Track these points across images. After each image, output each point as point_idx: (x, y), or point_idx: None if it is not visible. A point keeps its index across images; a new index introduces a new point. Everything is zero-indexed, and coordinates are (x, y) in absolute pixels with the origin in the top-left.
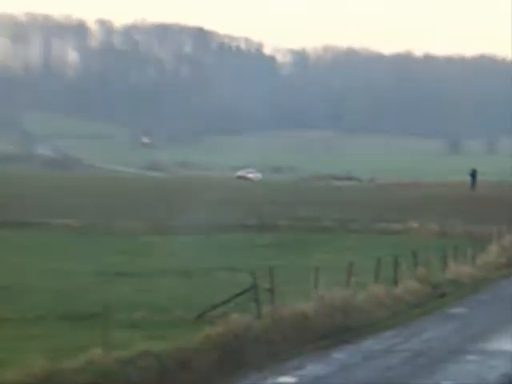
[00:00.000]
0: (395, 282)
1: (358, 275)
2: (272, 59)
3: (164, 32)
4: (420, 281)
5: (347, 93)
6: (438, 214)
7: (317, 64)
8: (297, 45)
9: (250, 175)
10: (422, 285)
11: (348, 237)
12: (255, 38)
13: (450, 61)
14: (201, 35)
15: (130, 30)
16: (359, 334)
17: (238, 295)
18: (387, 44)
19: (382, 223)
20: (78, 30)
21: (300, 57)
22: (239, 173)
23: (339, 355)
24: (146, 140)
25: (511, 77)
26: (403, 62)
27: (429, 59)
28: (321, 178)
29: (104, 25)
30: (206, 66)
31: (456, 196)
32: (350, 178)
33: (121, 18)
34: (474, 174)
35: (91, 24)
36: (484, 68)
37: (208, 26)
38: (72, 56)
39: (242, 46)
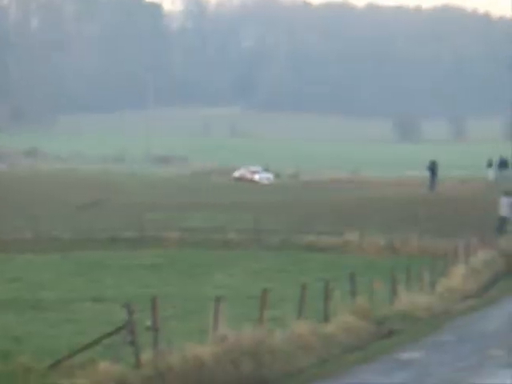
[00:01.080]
0: (326, 318)
1: (276, 308)
2: (155, 7)
3: None
4: (360, 315)
5: (260, 57)
6: (384, 222)
7: (218, 15)
8: None
9: (256, 176)
10: (363, 320)
11: (261, 254)
12: None
13: (400, 12)
14: None
15: None
16: None
17: (107, 336)
18: None
19: (309, 236)
20: None
21: (196, 4)
22: (237, 173)
23: None
24: None
25: (484, 35)
26: (337, 12)
27: (373, 9)
28: (223, 173)
29: None
30: (66, 16)
31: (410, 198)
32: (266, 172)
33: None
34: (433, 168)
35: None
36: (448, 23)
37: None
38: None
39: None
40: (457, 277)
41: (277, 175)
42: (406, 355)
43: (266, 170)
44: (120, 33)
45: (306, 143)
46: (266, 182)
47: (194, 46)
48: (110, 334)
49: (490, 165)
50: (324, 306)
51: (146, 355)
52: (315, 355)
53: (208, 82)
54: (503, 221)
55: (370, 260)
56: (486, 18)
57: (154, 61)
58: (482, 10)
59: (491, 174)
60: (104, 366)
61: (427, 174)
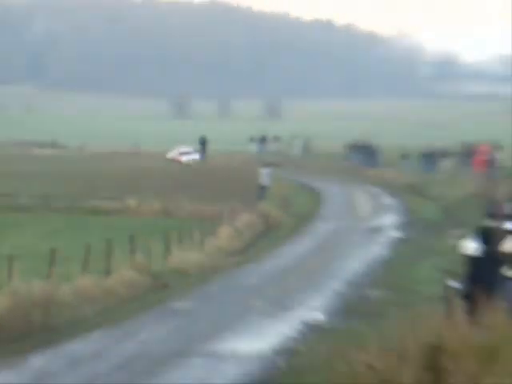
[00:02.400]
0: (107, 273)
1: (63, 265)
2: None
3: None
4: (138, 270)
5: (53, 39)
6: (160, 189)
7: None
8: None
9: (183, 157)
10: (140, 275)
11: (51, 217)
12: None
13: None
14: None
15: None
16: (63, 335)
17: None
18: None
19: (93, 200)
20: None
21: None
22: (170, 154)
23: (37, 361)
24: None
25: (246, 26)
26: (119, 3)
27: (146, 2)
28: (16, 145)
29: None
30: None
31: (182, 168)
32: (54, 146)
33: None
34: (203, 142)
35: None
36: (215, 16)
37: None
38: None
39: None
40: (223, 237)
41: (64, 148)
42: (178, 305)
43: (53, 145)
44: None
45: (92, 119)
46: (190, 162)
47: None
48: None
49: (252, 140)
50: (106, 263)
51: None
52: (98, 305)
53: (3, 62)
54: (262, 188)
55: (148, 223)
56: (249, 11)
57: None
58: (244, 4)
59: (253, 148)
60: None
61: (198, 147)
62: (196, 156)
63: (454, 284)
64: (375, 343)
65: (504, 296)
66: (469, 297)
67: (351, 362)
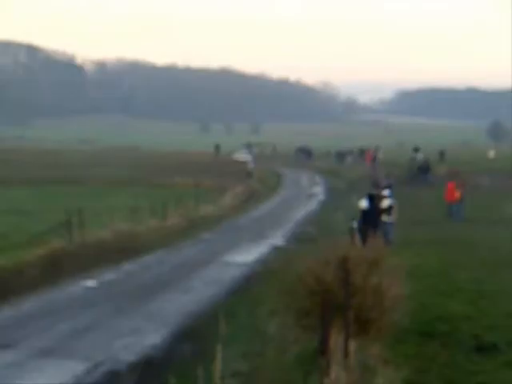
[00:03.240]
0: (164, 218)
1: (141, 214)
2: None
3: None
4: (181, 216)
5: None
6: (193, 172)
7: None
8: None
9: (242, 157)
10: (183, 219)
11: (133, 188)
12: None
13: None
14: None
15: None
16: (140, 252)
17: (57, 227)
18: (160, 56)
19: (157, 179)
20: None
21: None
22: (236, 155)
23: (126, 266)
24: None
25: (241, 83)
26: (172, 72)
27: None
28: (114, 148)
29: None
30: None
31: (205, 161)
32: (135, 149)
33: None
34: (217, 147)
35: None
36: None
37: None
38: None
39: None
40: (227, 198)
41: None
42: (203, 235)
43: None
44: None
45: (155, 135)
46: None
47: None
48: (58, 226)
49: (243, 146)
50: (164, 213)
51: (76, 237)
52: (160, 236)
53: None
54: (249, 172)
55: (186, 191)
56: (241, 73)
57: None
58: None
59: (244, 150)
60: (55, 241)
61: (214, 150)
62: (249, 157)
63: (355, 224)
64: (311, 256)
65: (382, 231)
66: (362, 231)
67: (298, 266)
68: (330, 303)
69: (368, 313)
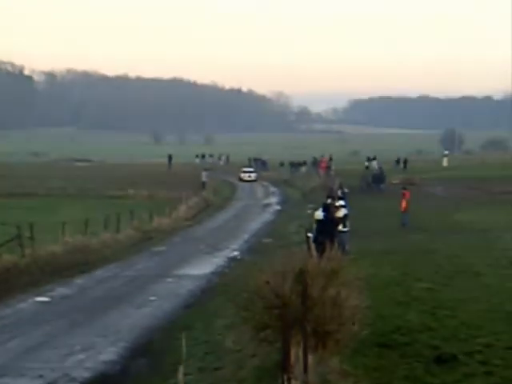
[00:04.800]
0: (118, 231)
1: (94, 227)
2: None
3: None
4: (135, 229)
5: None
6: (147, 184)
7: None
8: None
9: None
10: (136, 232)
11: (86, 200)
12: None
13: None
14: None
15: None
16: (93, 267)
17: (8, 241)
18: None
19: (110, 191)
20: None
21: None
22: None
23: (79, 281)
24: None
25: (193, 94)
26: (123, 82)
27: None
28: (66, 160)
29: None
30: None
31: (159, 172)
32: (87, 160)
33: None
34: (170, 158)
35: None
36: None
37: None
38: None
39: None
40: (181, 210)
41: (92, 162)
42: (157, 249)
43: (87, 160)
44: None
45: (109, 146)
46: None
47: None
48: (9, 241)
49: (197, 156)
50: (117, 225)
51: (27, 251)
52: (112, 250)
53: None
54: (203, 183)
55: (140, 203)
56: (194, 83)
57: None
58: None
59: (197, 160)
60: (6, 256)
61: (167, 160)
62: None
63: (310, 235)
64: (268, 268)
65: (338, 241)
66: (318, 242)
67: (255, 278)
68: (289, 317)
69: (326, 325)
